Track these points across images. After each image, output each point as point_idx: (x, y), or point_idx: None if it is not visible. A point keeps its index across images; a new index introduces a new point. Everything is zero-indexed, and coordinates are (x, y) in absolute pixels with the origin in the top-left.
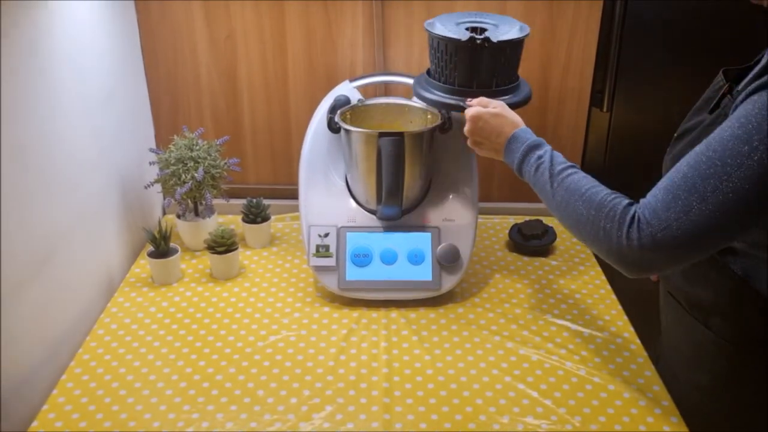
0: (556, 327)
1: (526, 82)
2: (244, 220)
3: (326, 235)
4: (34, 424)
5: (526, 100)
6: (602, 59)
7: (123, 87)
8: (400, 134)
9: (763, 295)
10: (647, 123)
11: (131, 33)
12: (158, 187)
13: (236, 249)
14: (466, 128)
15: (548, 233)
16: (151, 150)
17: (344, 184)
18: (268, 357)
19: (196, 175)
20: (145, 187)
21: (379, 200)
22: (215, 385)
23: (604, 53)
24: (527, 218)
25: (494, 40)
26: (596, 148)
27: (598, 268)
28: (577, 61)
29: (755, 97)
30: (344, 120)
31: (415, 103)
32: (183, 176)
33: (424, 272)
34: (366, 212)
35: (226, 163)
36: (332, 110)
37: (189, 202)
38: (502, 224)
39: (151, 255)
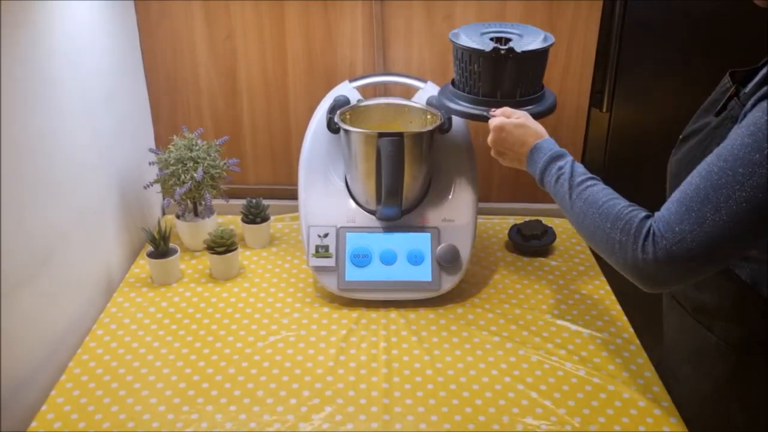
0: (555, 327)
1: (551, 91)
2: (243, 221)
3: (326, 235)
4: (33, 424)
5: (550, 110)
6: (602, 59)
7: (122, 87)
8: (400, 134)
9: (765, 298)
10: (647, 123)
11: (131, 33)
12: (158, 187)
13: (236, 249)
14: (490, 138)
15: (548, 234)
16: (151, 150)
17: (344, 184)
18: (267, 357)
19: (195, 175)
20: (145, 188)
21: (378, 200)
22: (214, 385)
23: (604, 53)
24: (527, 219)
25: (518, 50)
26: (596, 148)
27: (598, 269)
28: (576, 61)
29: (764, 104)
30: (344, 120)
31: (415, 103)
32: (182, 176)
33: (424, 273)
34: (365, 212)
35: (225, 164)
36: (332, 110)
37: (188, 202)
38: (501, 225)
39: (151, 255)
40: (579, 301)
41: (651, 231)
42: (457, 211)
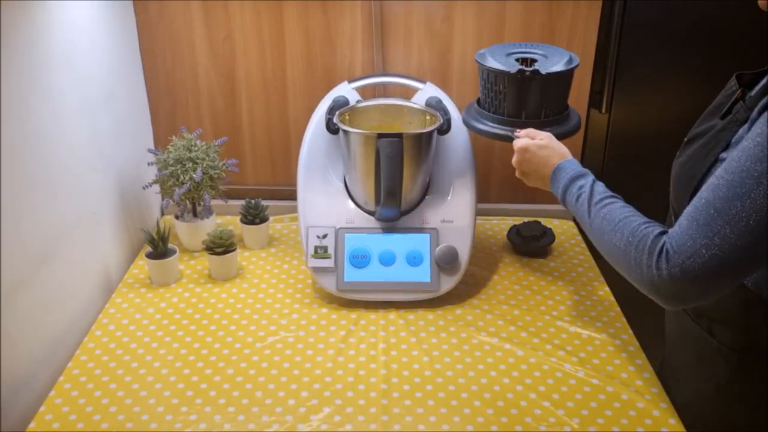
0: (554, 328)
1: (576, 111)
2: (242, 221)
3: (325, 236)
4: (32, 425)
5: (574, 131)
6: (601, 60)
7: (121, 87)
8: (399, 135)
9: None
10: (646, 124)
11: (130, 33)
12: (156, 187)
13: (234, 250)
14: (514, 159)
15: (547, 235)
16: (150, 151)
17: (343, 185)
18: (266, 358)
19: (194, 175)
20: (144, 188)
21: (377, 201)
22: (213, 386)
23: (603, 54)
24: (526, 220)
25: (543, 72)
26: (595, 149)
27: (597, 270)
28: None
29: None
30: (343, 121)
31: (414, 104)
32: (181, 177)
33: (423, 273)
34: (364, 213)
35: (224, 164)
36: (331, 111)
37: (187, 202)
38: (500, 225)
39: (149, 256)
40: (578, 302)
41: (664, 248)
42: (456, 212)
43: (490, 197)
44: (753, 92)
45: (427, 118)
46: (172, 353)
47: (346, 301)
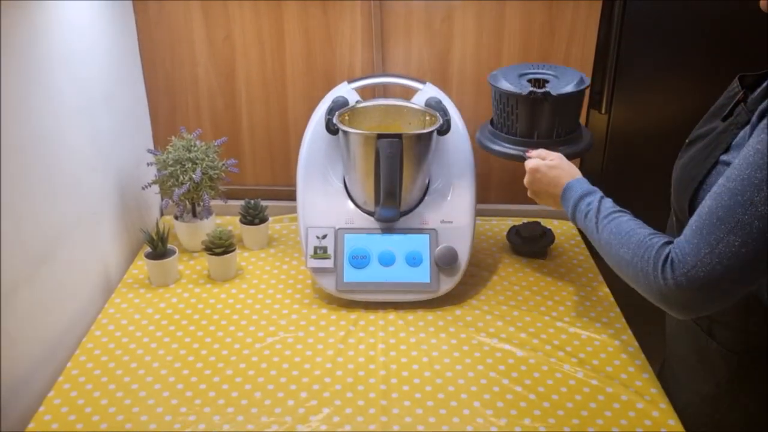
0: (554, 329)
1: (588, 130)
2: (241, 222)
3: (324, 236)
4: (31, 425)
5: (585, 150)
6: (601, 60)
7: (121, 88)
8: (399, 136)
9: (766, 305)
10: (646, 125)
11: (129, 33)
12: (156, 188)
13: (234, 250)
14: (526, 179)
15: (546, 235)
16: (149, 151)
17: (342, 185)
18: (265, 359)
19: (193, 176)
20: (143, 188)
21: (377, 202)
22: (212, 386)
23: (603, 54)
24: (525, 220)
25: (554, 93)
26: (595, 149)
27: (597, 270)
28: (575, 61)
29: None
30: (342, 121)
31: (414, 104)
32: (181, 177)
33: (422, 274)
34: (364, 214)
35: (224, 165)
36: (330, 111)
37: (187, 203)
38: (500, 226)
39: (149, 256)
40: (578, 302)
41: (669, 257)
42: (456, 213)
43: (489, 198)
44: (754, 94)
45: (427, 118)
46: (171, 354)
47: (346, 301)
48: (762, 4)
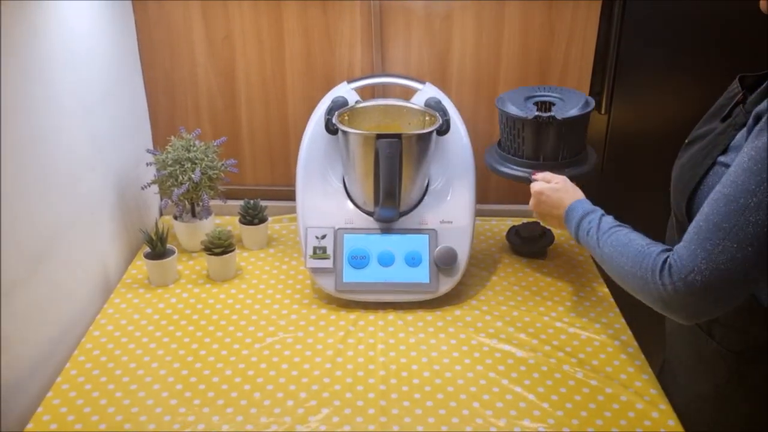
0: (553, 329)
1: (593, 151)
2: (241, 222)
3: (323, 236)
4: (29, 426)
5: (590, 172)
6: (601, 60)
7: (120, 87)
8: (398, 136)
9: (765, 306)
10: (646, 125)
11: (128, 33)
12: (155, 188)
13: (233, 250)
14: (531, 202)
15: (546, 235)
16: (148, 151)
17: (342, 185)
18: (264, 359)
19: (193, 176)
20: (142, 188)
21: (376, 202)
22: (211, 387)
23: (603, 54)
24: (525, 220)
25: (559, 117)
26: (594, 150)
27: (596, 271)
28: (575, 62)
29: (764, 126)
30: (342, 121)
31: (413, 104)
32: (180, 177)
33: (422, 274)
34: (363, 214)
35: (223, 165)
36: (330, 111)
37: (186, 203)
38: (499, 226)
39: (148, 256)
40: (577, 303)
41: (668, 262)
42: (455, 213)
43: (489, 198)
44: (753, 96)
45: (427, 118)
46: (170, 354)
47: (345, 301)
48: (762, 5)
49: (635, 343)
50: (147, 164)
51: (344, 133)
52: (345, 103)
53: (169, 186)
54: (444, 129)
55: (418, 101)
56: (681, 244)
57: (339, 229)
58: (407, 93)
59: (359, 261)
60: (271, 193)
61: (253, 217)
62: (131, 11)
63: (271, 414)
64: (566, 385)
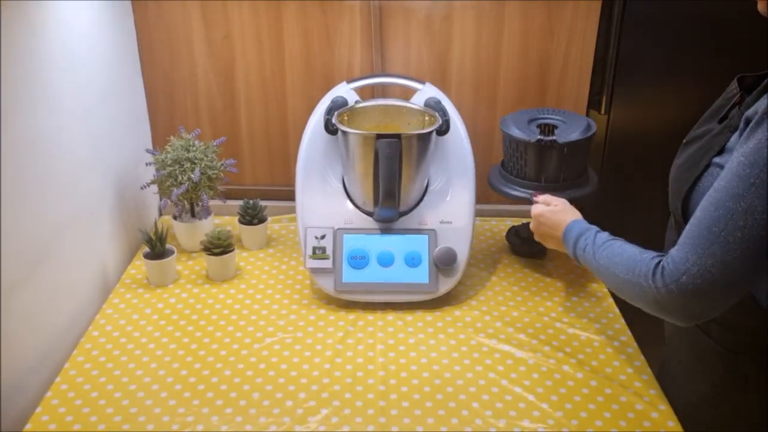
0: (553, 330)
1: (594, 173)
2: (240, 222)
3: (323, 236)
4: (28, 426)
5: (589, 195)
6: (601, 61)
7: (119, 87)
8: (398, 136)
9: (763, 306)
10: (645, 125)
11: (128, 33)
12: (154, 188)
13: (232, 250)
14: (531, 225)
15: None
16: (148, 151)
17: (341, 185)
18: (263, 359)
19: (192, 176)
20: (142, 188)
21: (376, 202)
22: (210, 387)
23: (603, 55)
24: (525, 221)
25: (560, 141)
26: (594, 150)
27: None
28: (575, 62)
29: (758, 133)
30: (341, 121)
31: (413, 104)
32: (179, 177)
33: (421, 275)
34: (363, 214)
35: (222, 164)
36: (329, 111)
37: (185, 203)
38: (499, 227)
39: (147, 256)
40: (577, 303)
41: (661, 265)
42: (455, 213)
43: (489, 198)
44: (748, 99)
45: (426, 118)
46: (169, 354)
47: (345, 302)
48: (760, 6)
49: (635, 344)
50: (146, 164)
51: (344, 133)
52: (344, 103)
53: (168, 186)
54: (444, 129)
55: (417, 101)
56: (675, 247)
57: (338, 229)
58: (407, 93)
59: (359, 261)
60: (270, 193)
61: (252, 217)
62: (131, 11)
63: (270, 414)
64: (566, 385)
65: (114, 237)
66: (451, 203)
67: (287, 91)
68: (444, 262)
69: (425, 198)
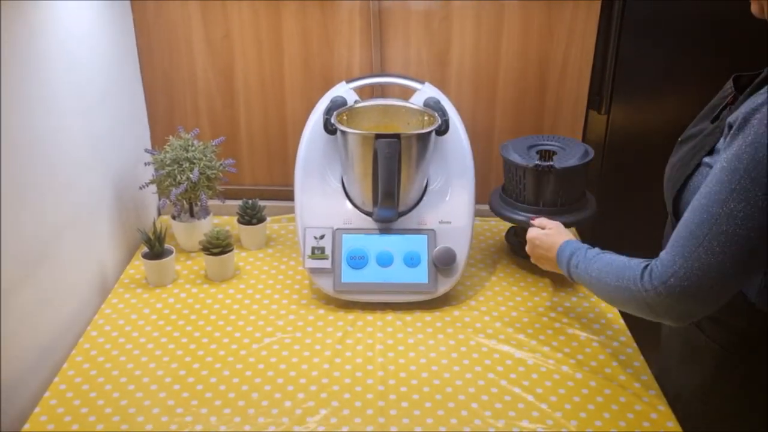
0: (552, 330)
1: (592, 198)
2: (239, 222)
3: (322, 236)
4: (26, 426)
5: (586, 219)
6: (600, 61)
7: (118, 87)
8: (397, 136)
9: (753, 304)
10: (645, 125)
11: (127, 33)
12: (153, 187)
13: (231, 250)
14: (527, 248)
15: None
16: (147, 150)
17: (340, 185)
18: (262, 359)
19: (191, 176)
20: (140, 188)
21: (375, 202)
22: (209, 387)
23: (603, 55)
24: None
25: (558, 167)
26: (594, 150)
27: None
28: (574, 62)
29: (739, 139)
30: (340, 121)
31: (412, 104)
32: (178, 177)
33: (420, 275)
34: (362, 214)
35: (221, 164)
36: (328, 111)
37: (184, 203)
38: (498, 227)
39: (146, 256)
40: (576, 303)
41: (649, 267)
42: (454, 213)
43: (488, 198)
44: (736, 103)
45: (426, 118)
46: (167, 354)
47: (344, 302)
48: (753, 8)
49: (634, 344)
50: (145, 164)
51: (343, 133)
52: (344, 102)
53: (167, 186)
54: (443, 129)
55: (417, 101)
56: (664, 250)
57: (337, 229)
58: (406, 93)
59: (358, 261)
60: (269, 192)
61: (251, 217)
62: (130, 11)
63: (269, 415)
64: (565, 386)
65: (113, 237)
66: (450, 203)
67: (286, 91)
68: (443, 262)
69: (424, 198)
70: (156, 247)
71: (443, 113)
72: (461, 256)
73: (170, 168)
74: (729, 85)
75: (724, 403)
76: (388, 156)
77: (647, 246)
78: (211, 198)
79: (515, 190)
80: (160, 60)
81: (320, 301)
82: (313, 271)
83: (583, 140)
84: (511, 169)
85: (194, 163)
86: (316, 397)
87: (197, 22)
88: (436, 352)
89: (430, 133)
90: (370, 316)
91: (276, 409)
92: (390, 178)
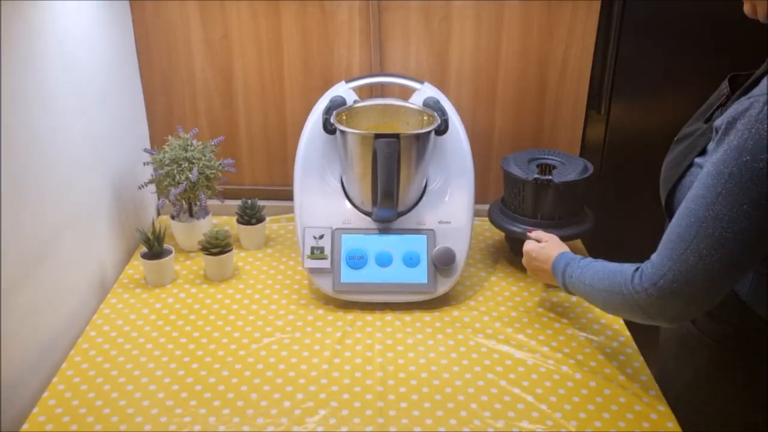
0: (551, 330)
1: (590, 213)
2: (238, 222)
3: (321, 236)
4: (25, 426)
5: (583, 233)
6: (600, 61)
7: (117, 87)
8: (396, 136)
9: (743, 300)
10: (645, 125)
11: (126, 33)
12: (152, 187)
13: (230, 250)
14: (523, 261)
15: None
16: (146, 150)
17: (339, 185)
18: (261, 360)
19: (190, 175)
20: (139, 188)
21: (374, 202)
22: (208, 387)
23: (603, 55)
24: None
25: (557, 181)
26: (593, 150)
27: None
28: (574, 62)
29: (724, 144)
30: (340, 121)
31: (412, 104)
32: (177, 177)
33: (420, 275)
34: (361, 214)
35: (220, 164)
36: (328, 111)
37: (183, 202)
38: None
39: (145, 256)
40: (575, 304)
41: (640, 269)
42: (454, 213)
43: (487, 198)
44: (726, 106)
45: (425, 118)
46: (166, 354)
47: (343, 302)
48: (746, 8)
49: (634, 345)
50: (144, 164)
51: (342, 132)
52: (343, 102)
53: (166, 186)
54: (442, 129)
55: (416, 101)
56: (654, 253)
57: (337, 229)
58: (405, 93)
59: (357, 261)
60: (268, 192)
61: (250, 216)
62: (128, 11)
63: (268, 415)
64: (565, 386)
65: (112, 237)
66: (449, 203)
67: (286, 91)
68: (442, 262)
69: (424, 198)
70: (155, 247)
71: (443, 113)
72: (460, 256)
73: (169, 168)
74: (725, 85)
75: (716, 396)
76: (387, 156)
77: (647, 246)
78: (210, 198)
79: (514, 202)
80: (159, 60)
81: (319, 301)
82: (313, 271)
83: (583, 140)
84: (510, 181)
85: (193, 163)
86: (315, 397)
87: (196, 22)
88: (435, 352)
89: (429, 133)
90: (369, 316)
91: (275, 409)
92: (389, 178)
